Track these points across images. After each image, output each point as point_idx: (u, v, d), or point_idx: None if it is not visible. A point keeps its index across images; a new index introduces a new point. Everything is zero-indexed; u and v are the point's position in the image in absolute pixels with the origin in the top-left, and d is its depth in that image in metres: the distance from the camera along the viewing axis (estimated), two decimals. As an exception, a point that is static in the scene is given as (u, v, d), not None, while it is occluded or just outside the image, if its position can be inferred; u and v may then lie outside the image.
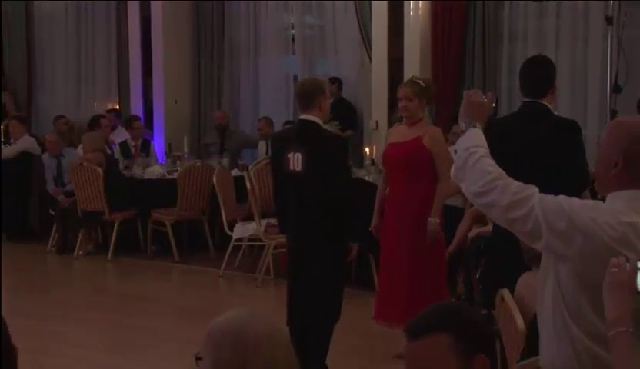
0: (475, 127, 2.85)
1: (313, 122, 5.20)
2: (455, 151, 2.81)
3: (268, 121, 10.32)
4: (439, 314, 2.10)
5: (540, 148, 4.89)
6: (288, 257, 5.49)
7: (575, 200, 2.58)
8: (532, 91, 4.99)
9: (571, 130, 5.01)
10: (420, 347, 2.04)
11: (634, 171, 2.54)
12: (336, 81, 10.17)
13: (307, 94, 5.23)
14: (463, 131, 2.87)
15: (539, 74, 5.02)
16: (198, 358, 2.01)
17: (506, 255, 4.71)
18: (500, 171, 2.70)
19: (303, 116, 5.26)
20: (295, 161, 5.17)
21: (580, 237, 2.49)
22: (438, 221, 5.72)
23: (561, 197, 2.58)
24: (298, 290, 5.31)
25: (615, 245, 2.42)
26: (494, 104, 3.01)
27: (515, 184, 2.64)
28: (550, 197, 2.59)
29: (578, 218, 2.50)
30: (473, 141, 2.79)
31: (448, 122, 8.36)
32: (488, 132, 2.95)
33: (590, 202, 2.60)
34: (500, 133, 4.96)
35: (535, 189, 2.62)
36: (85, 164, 9.35)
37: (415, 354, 2.05)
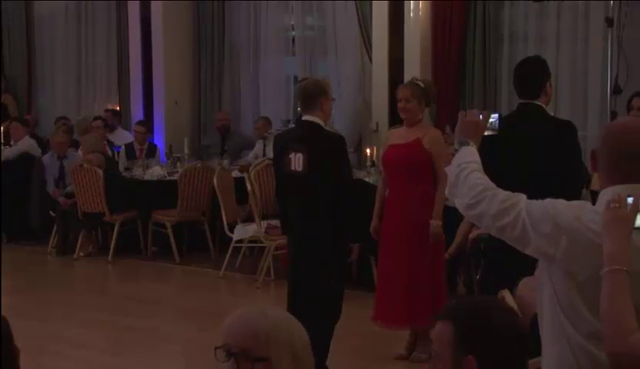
0: (468, 145, 2.89)
1: (314, 123, 5.21)
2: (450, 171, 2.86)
3: (267, 121, 10.31)
4: (460, 305, 2.20)
5: (536, 149, 4.91)
6: (289, 257, 5.49)
7: (561, 201, 2.63)
8: (525, 92, 5.03)
9: (566, 130, 5.03)
10: (436, 328, 2.17)
11: (601, 169, 2.60)
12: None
13: (308, 96, 5.25)
14: (456, 150, 2.91)
15: (530, 75, 5.05)
16: (260, 359, 1.97)
17: (506, 256, 4.70)
18: (489, 182, 2.76)
19: (305, 117, 5.28)
20: (297, 161, 5.18)
21: (565, 238, 2.53)
22: (441, 223, 5.73)
23: (547, 200, 2.64)
24: (299, 291, 5.32)
25: (599, 240, 2.44)
26: (493, 120, 3.03)
27: (503, 193, 2.70)
28: (536, 202, 2.65)
29: (562, 219, 2.55)
30: (465, 158, 2.85)
31: (448, 123, 8.35)
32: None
33: (576, 202, 2.65)
34: (496, 135, 4.99)
35: (522, 196, 2.68)
36: (85, 165, 9.35)
37: (433, 333, 2.18)
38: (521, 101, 5.06)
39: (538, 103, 4.99)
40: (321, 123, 5.24)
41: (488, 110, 3.10)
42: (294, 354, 2.01)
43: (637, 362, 2.25)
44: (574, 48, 8.94)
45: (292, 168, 5.22)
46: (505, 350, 2.10)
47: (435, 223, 5.69)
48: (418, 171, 5.71)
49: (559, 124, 5.13)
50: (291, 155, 5.21)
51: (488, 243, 5.86)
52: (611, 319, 2.28)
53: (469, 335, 2.08)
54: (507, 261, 4.75)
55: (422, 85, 5.78)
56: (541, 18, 9.13)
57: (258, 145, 10.23)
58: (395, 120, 8.92)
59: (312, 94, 5.26)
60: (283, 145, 5.37)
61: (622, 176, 2.54)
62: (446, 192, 2.92)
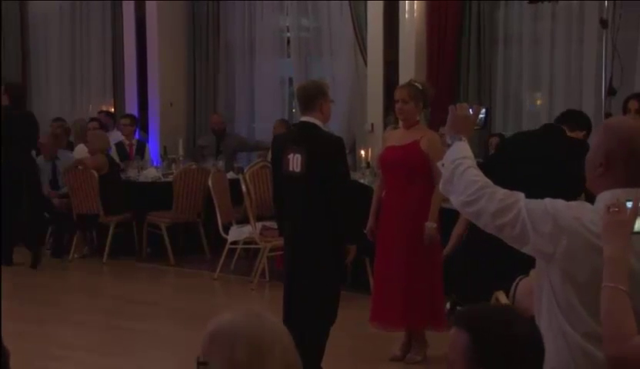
0: (460, 140, 2.89)
1: (313, 124, 5.22)
2: (443, 165, 2.85)
3: (284, 123, 10.22)
4: (477, 313, 2.13)
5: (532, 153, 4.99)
6: (285, 258, 5.48)
7: (560, 201, 2.63)
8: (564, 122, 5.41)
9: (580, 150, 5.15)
10: (451, 333, 2.12)
11: (617, 172, 2.58)
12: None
13: (308, 96, 5.25)
14: (449, 145, 2.90)
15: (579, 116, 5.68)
16: (201, 363, 1.96)
17: (499, 257, 4.71)
18: (486, 179, 2.75)
19: (303, 118, 5.28)
20: (295, 162, 5.17)
21: (565, 238, 2.54)
22: (436, 225, 5.73)
23: (547, 200, 2.64)
24: (295, 292, 5.30)
25: (598, 241, 2.45)
26: (482, 115, 3.04)
27: (502, 192, 2.70)
28: (535, 201, 2.64)
29: (562, 219, 2.55)
30: (459, 154, 2.84)
31: (442, 125, 8.35)
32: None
33: (574, 203, 2.64)
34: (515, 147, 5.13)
35: (520, 195, 2.68)
36: (79, 167, 9.34)
37: (449, 339, 2.14)
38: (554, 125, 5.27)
39: (564, 128, 5.16)
40: (320, 124, 5.24)
41: (478, 105, 3.10)
42: (231, 359, 1.93)
43: (636, 366, 2.25)
44: (568, 49, 8.95)
45: (290, 169, 5.20)
46: (522, 362, 2.05)
47: (430, 225, 5.70)
48: (416, 172, 5.71)
49: (573, 144, 5.23)
50: (290, 156, 5.20)
51: (481, 244, 5.87)
52: (610, 322, 2.28)
53: (486, 348, 2.03)
54: (500, 262, 4.76)
55: (420, 87, 5.79)
56: (535, 20, 9.14)
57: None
58: (388, 122, 8.94)
59: (312, 95, 5.25)
60: (281, 146, 5.37)
61: (623, 178, 2.54)
62: (440, 188, 2.91)
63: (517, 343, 2.04)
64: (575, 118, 5.51)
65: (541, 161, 5.02)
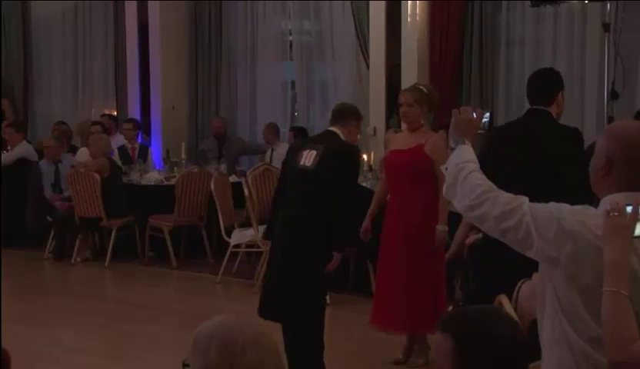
0: (464, 143, 2.89)
1: (335, 133, 5.29)
2: (446, 169, 2.85)
3: (272, 127, 10.30)
4: (459, 316, 2.19)
5: (541, 156, 4.92)
6: (272, 261, 5.39)
7: (564, 205, 2.63)
8: (537, 99, 4.99)
9: (573, 140, 5.03)
10: (435, 338, 2.17)
11: (621, 175, 2.58)
12: None
13: (343, 111, 5.39)
14: (452, 149, 2.90)
15: (543, 82, 5.04)
16: (185, 365, 2.04)
17: (502, 260, 4.70)
18: (489, 183, 2.75)
19: (330, 128, 5.34)
20: (308, 157, 5.17)
21: (569, 242, 2.53)
22: (447, 229, 5.73)
23: (551, 204, 2.63)
24: (284, 288, 5.22)
25: (602, 245, 2.44)
26: (486, 120, 3.04)
27: (506, 196, 2.70)
28: (539, 205, 2.64)
29: (566, 223, 2.55)
30: (463, 157, 2.84)
31: (445, 128, 8.33)
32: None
33: (578, 207, 2.64)
34: (502, 138, 5.03)
35: (524, 199, 2.68)
36: (82, 170, 9.34)
37: (435, 343, 2.18)
38: (533, 107, 5.05)
39: (547, 110, 4.97)
40: (342, 137, 5.28)
41: (480, 108, 3.09)
42: (205, 361, 2.00)
43: None
44: (570, 52, 8.94)
45: (302, 163, 5.19)
46: (505, 362, 2.09)
47: (441, 228, 5.70)
48: (421, 175, 5.71)
49: (566, 133, 5.10)
50: (305, 151, 5.21)
51: (483, 246, 5.86)
52: (612, 327, 2.28)
53: (468, 349, 2.07)
54: (503, 265, 4.76)
55: (425, 90, 5.80)
56: (538, 23, 9.14)
57: (269, 152, 10.25)
58: (391, 124, 8.94)
59: (347, 111, 5.39)
60: (299, 146, 5.41)
61: (626, 181, 2.54)
62: (444, 192, 2.91)
63: (500, 343, 2.08)
64: (541, 89, 5.06)
65: (524, 144, 4.97)
